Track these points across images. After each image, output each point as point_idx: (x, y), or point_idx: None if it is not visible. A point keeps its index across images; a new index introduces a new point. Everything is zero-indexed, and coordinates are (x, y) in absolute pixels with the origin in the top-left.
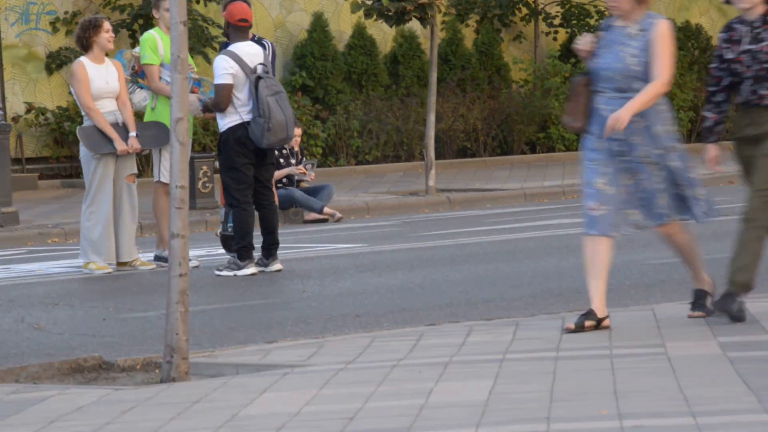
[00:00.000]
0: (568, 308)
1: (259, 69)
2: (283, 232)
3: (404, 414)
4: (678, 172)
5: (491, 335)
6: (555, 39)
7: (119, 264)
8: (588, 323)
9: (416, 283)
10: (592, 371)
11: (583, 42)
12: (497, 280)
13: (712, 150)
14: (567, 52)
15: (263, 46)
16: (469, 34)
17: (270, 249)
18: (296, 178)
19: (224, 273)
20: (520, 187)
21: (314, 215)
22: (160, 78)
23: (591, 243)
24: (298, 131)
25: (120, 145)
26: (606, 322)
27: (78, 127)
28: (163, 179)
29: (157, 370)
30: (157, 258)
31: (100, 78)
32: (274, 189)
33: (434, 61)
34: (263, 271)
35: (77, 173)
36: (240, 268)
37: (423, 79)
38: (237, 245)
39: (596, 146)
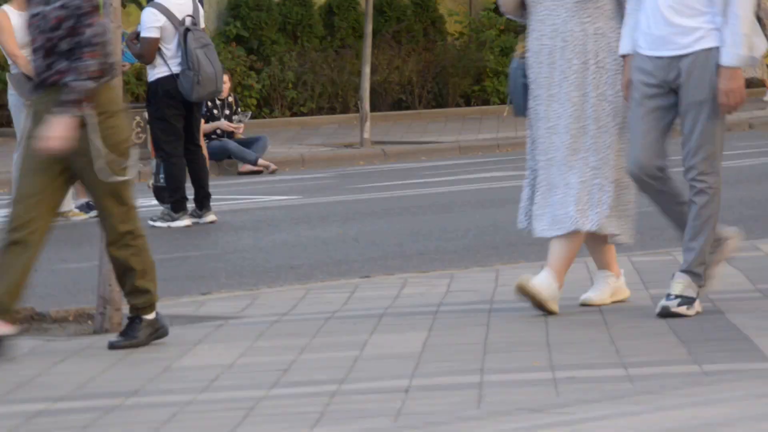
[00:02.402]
0: (501, 261)
1: (188, 21)
2: (218, 183)
3: (338, 366)
4: None
5: (425, 287)
6: None
7: None
8: None
9: (351, 236)
10: (525, 323)
11: None
12: (432, 233)
13: None
14: None
15: None
16: None
17: (202, 201)
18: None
19: (158, 224)
20: (455, 140)
21: (249, 167)
22: None
23: None
24: (226, 81)
25: None
26: None
27: (8, 74)
28: None
29: (89, 322)
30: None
31: (23, 26)
32: (201, 142)
33: (369, 12)
34: (197, 223)
35: (8, 122)
36: (174, 219)
37: (358, 31)
38: (170, 198)
39: None
